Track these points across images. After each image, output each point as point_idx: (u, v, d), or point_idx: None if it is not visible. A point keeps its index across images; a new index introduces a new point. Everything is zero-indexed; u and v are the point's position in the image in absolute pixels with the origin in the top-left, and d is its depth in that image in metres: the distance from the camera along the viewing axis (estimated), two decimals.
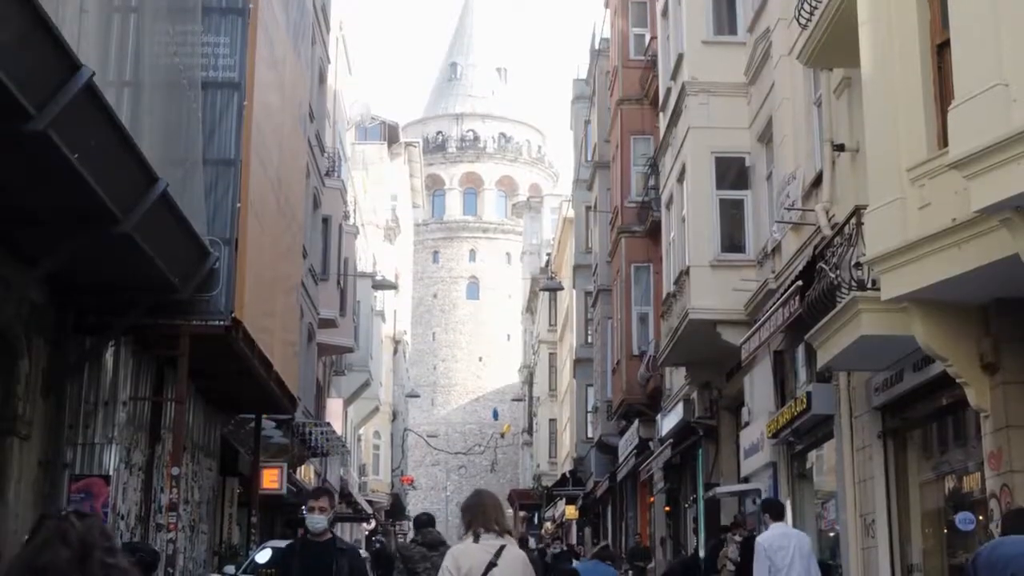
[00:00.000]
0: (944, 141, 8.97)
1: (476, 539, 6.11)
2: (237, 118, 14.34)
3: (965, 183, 8.24)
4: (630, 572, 26.62)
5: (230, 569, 17.04)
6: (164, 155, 11.54)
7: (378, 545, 33.72)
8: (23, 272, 10.78)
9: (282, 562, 8.47)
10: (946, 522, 11.29)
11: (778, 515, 12.34)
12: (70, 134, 8.25)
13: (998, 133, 7.85)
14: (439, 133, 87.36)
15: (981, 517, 10.14)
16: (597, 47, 35.38)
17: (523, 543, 26.09)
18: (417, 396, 63.77)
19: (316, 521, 7.90)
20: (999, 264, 8.48)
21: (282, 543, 16.94)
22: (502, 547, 6.06)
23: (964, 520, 10.48)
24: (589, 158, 37.68)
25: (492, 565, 5.97)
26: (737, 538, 15.21)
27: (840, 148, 12.85)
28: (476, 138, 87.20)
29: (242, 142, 14.42)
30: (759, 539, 12.29)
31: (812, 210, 13.86)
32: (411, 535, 19.67)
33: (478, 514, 6.23)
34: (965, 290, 9.26)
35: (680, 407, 21.93)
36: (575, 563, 17.02)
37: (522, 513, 56.39)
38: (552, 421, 54.32)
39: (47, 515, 3.18)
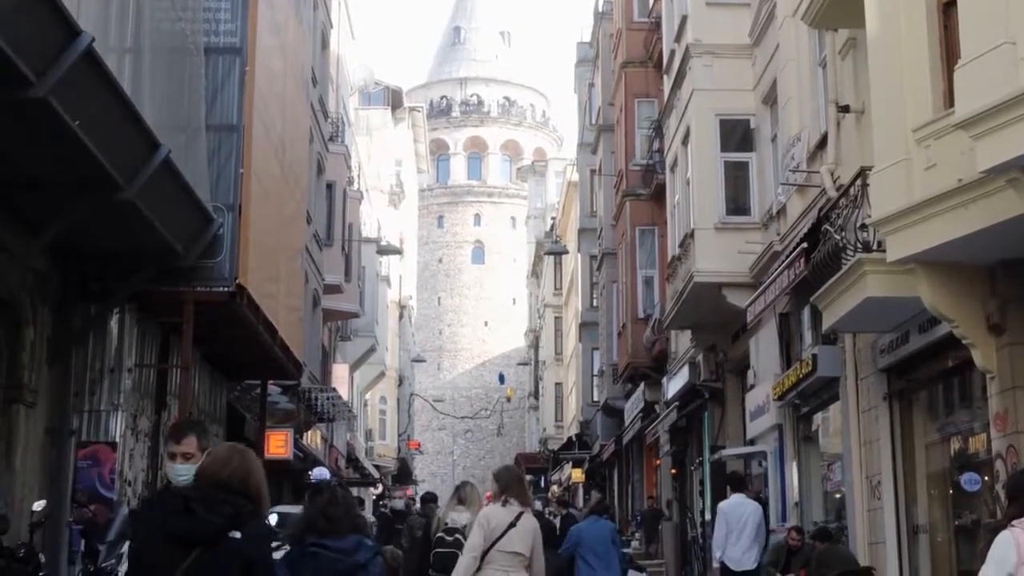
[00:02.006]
0: (950, 101, 8.90)
1: (504, 504, 7.87)
2: (239, 83, 14.25)
3: (971, 143, 8.18)
4: (638, 533, 27.09)
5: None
6: (166, 121, 11.47)
7: (384, 511, 33.84)
8: (26, 240, 10.76)
9: (135, 525, 6.65)
10: (952, 483, 11.31)
11: (738, 487, 14.12)
12: (71, 101, 8.20)
13: (1005, 92, 7.79)
14: (443, 98, 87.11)
15: (987, 478, 10.16)
16: (601, 9, 35.20)
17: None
18: (423, 361, 63.87)
19: (179, 472, 5.26)
20: (1005, 225, 8.44)
21: (289, 508, 16.97)
22: (520, 513, 7.83)
23: (970, 481, 10.51)
24: (593, 121, 37.50)
25: (512, 525, 7.74)
26: None
27: (845, 109, 12.77)
28: (480, 102, 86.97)
29: (244, 108, 14.35)
30: (720, 505, 13.93)
31: (817, 172, 13.80)
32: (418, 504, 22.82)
33: (509, 487, 7.98)
34: (971, 251, 9.22)
35: (686, 370, 21.95)
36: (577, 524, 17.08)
37: (528, 477, 56.61)
38: (558, 385, 54.44)
39: (324, 487, 5.81)
